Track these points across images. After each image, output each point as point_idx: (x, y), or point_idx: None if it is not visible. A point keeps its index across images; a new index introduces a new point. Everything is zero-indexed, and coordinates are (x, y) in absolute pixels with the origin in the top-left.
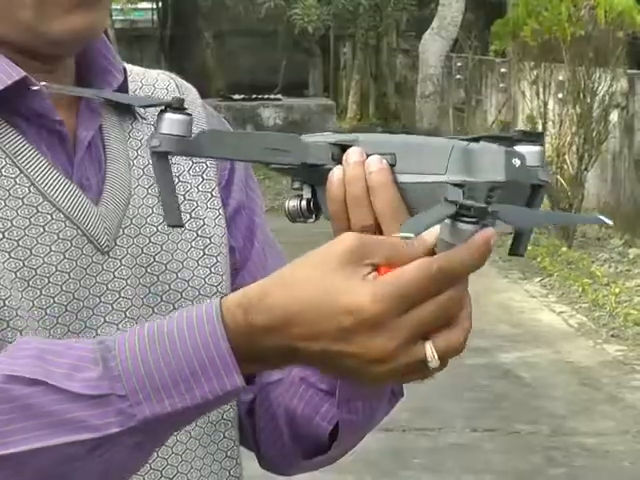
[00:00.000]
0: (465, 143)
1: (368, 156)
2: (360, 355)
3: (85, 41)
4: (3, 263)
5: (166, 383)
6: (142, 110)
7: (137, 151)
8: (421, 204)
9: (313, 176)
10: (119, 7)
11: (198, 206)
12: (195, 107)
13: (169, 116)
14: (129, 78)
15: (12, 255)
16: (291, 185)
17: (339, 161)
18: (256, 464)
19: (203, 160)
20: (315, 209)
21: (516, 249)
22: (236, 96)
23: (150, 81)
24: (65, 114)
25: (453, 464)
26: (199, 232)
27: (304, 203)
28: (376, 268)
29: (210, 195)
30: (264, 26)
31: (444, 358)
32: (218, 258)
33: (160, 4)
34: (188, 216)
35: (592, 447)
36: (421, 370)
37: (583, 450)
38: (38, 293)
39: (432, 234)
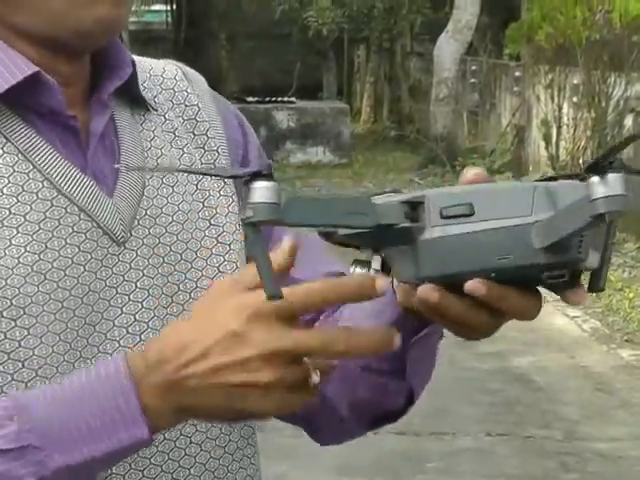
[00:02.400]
0: (545, 183)
1: (443, 210)
2: (248, 359)
3: (110, 34)
4: (18, 258)
5: (75, 434)
6: (153, 101)
7: (150, 142)
8: (508, 248)
9: (384, 238)
10: (133, 9)
11: (210, 195)
12: (204, 95)
13: (261, 184)
14: (137, 69)
15: (28, 249)
16: (358, 257)
17: (412, 219)
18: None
19: (215, 148)
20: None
21: (596, 284)
22: (250, 98)
23: (158, 71)
24: (77, 108)
25: (467, 468)
26: (212, 221)
27: (372, 273)
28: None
29: (223, 183)
30: (278, 28)
31: (324, 373)
32: (231, 246)
33: (174, 6)
34: (201, 205)
35: (605, 452)
36: (304, 388)
37: (596, 455)
38: (55, 286)
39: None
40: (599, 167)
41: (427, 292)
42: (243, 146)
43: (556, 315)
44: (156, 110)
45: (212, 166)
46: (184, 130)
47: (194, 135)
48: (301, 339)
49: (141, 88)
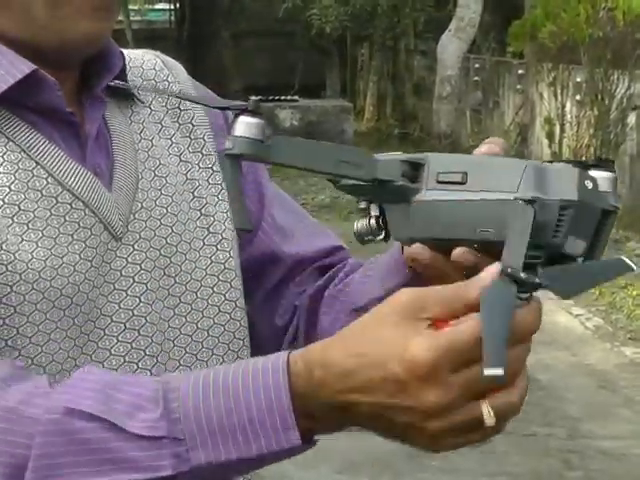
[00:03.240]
0: (538, 162)
1: (439, 174)
2: (413, 409)
3: (94, 48)
4: (32, 252)
5: (224, 432)
6: (141, 94)
7: (140, 134)
8: (490, 222)
9: (381, 194)
10: (136, 8)
11: (200, 185)
12: (185, 83)
13: (244, 119)
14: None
15: (39, 245)
16: (357, 206)
17: (410, 178)
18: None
19: (201, 136)
20: (385, 226)
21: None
22: (253, 97)
23: (137, 62)
24: (73, 105)
25: (469, 466)
26: (202, 211)
27: (373, 221)
28: (434, 322)
29: (211, 171)
30: (282, 27)
31: (501, 418)
32: (223, 234)
33: (178, 5)
34: (191, 195)
35: (609, 450)
36: (477, 430)
37: (600, 453)
38: (66, 282)
39: (486, 277)
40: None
41: (418, 251)
42: (226, 131)
43: (559, 313)
44: (143, 102)
45: (200, 154)
46: (170, 120)
47: (179, 124)
48: (466, 381)
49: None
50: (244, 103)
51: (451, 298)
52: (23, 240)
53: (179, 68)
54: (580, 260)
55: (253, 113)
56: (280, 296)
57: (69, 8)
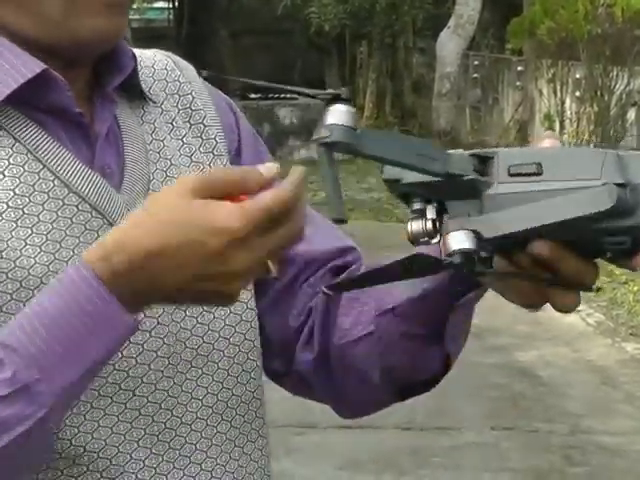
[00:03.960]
0: (616, 151)
1: (511, 167)
2: (225, 274)
3: (108, 45)
4: (35, 257)
5: (66, 354)
6: (149, 93)
7: (151, 135)
8: (573, 210)
9: (450, 190)
10: (135, 6)
11: None
12: (196, 83)
13: (339, 107)
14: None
15: (43, 249)
16: (411, 208)
17: (480, 172)
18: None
19: (213, 136)
20: (440, 229)
21: None
22: (252, 95)
23: (149, 62)
24: (83, 105)
25: (472, 463)
26: None
27: (430, 224)
28: (226, 198)
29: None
30: (280, 25)
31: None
32: None
33: (176, 3)
34: None
35: (610, 446)
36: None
37: (601, 449)
38: None
39: (271, 167)
40: None
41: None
42: (237, 130)
43: None
44: (155, 103)
45: (211, 155)
46: (181, 120)
47: (191, 125)
48: (275, 240)
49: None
50: (337, 91)
51: (240, 179)
52: (27, 244)
53: (190, 69)
54: None
55: (345, 101)
56: (293, 297)
57: (83, 5)
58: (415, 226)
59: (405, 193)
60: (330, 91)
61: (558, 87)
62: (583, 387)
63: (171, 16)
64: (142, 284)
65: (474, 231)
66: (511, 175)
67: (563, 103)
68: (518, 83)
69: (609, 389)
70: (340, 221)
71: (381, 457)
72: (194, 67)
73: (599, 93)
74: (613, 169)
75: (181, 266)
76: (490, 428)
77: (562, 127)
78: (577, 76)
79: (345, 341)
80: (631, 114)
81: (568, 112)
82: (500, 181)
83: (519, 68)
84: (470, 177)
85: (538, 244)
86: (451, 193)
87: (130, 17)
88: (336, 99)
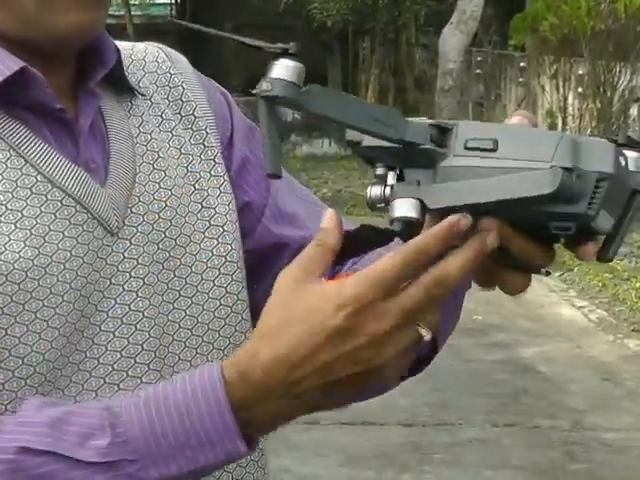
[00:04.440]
0: (573, 135)
1: (468, 141)
2: (360, 347)
3: (86, 39)
4: (19, 252)
5: (172, 449)
6: (138, 86)
7: (139, 128)
8: (522, 189)
9: (406, 157)
10: (137, 2)
11: (201, 177)
12: (187, 75)
13: (284, 62)
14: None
15: (27, 244)
16: (374, 171)
17: (437, 143)
18: (272, 459)
19: (203, 127)
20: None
21: (604, 253)
22: (254, 90)
23: (140, 55)
24: (65, 100)
25: (473, 459)
26: (203, 203)
27: (388, 190)
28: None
29: (213, 162)
30: (283, 21)
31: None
32: (225, 227)
33: None
34: (192, 188)
35: (612, 442)
36: (414, 348)
37: (603, 445)
38: (55, 280)
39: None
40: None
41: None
42: (230, 120)
43: (562, 305)
44: (142, 95)
45: (202, 146)
46: (171, 112)
47: (181, 116)
48: (406, 301)
49: (125, 73)
50: (285, 46)
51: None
52: (10, 240)
53: (182, 60)
54: (604, 236)
55: (293, 57)
56: None
57: (57, 0)
58: (374, 191)
59: (369, 157)
60: (279, 45)
61: (561, 83)
62: (585, 383)
63: (173, 12)
64: (279, 393)
65: (420, 200)
66: (467, 149)
67: (566, 99)
68: (521, 79)
69: (611, 385)
70: (275, 176)
71: (383, 453)
72: (196, 62)
73: (602, 89)
74: (565, 153)
75: (311, 355)
76: (492, 424)
77: (564, 123)
78: (580, 72)
79: None
80: (634, 110)
81: (570, 108)
82: (456, 154)
83: (522, 64)
84: (426, 146)
85: (486, 221)
86: (408, 161)
87: (132, 13)
88: (284, 54)
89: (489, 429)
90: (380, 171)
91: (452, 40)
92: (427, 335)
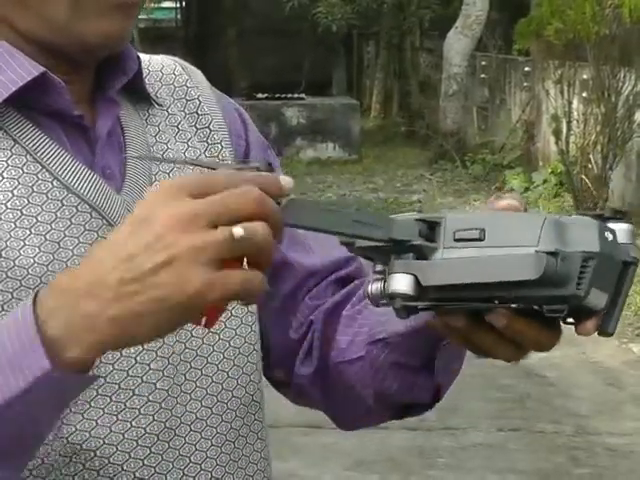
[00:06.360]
0: (557, 216)
1: (456, 232)
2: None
3: (114, 48)
4: (34, 257)
5: None
6: (155, 97)
7: (155, 137)
8: (510, 277)
9: (397, 252)
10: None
11: None
12: (204, 89)
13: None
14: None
15: (42, 249)
16: (373, 269)
17: (427, 238)
18: (277, 463)
19: (219, 141)
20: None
21: (603, 327)
22: (259, 95)
23: (156, 67)
24: (84, 107)
25: (478, 463)
26: None
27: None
28: None
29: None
30: (288, 25)
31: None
32: None
33: (184, 3)
34: None
35: (616, 447)
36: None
37: (607, 450)
38: None
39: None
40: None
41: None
42: (244, 137)
43: None
44: (160, 105)
45: (217, 159)
46: (187, 124)
47: (197, 129)
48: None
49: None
50: (259, 164)
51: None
52: (25, 245)
53: (198, 74)
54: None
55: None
56: (295, 308)
57: (87, 8)
58: (374, 287)
59: (366, 256)
60: (250, 165)
61: (565, 88)
62: (589, 388)
63: (179, 16)
64: (83, 292)
65: (415, 276)
66: (456, 240)
67: (570, 104)
68: (525, 84)
69: (615, 390)
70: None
71: (388, 457)
72: (201, 67)
73: (606, 94)
74: (550, 237)
75: (108, 271)
76: (497, 429)
77: (569, 128)
78: (584, 77)
79: (341, 360)
80: (638, 115)
81: (575, 113)
82: (445, 246)
83: (526, 69)
84: (416, 243)
85: (494, 316)
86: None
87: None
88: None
89: (494, 434)
90: (379, 267)
91: (457, 44)
92: (237, 231)
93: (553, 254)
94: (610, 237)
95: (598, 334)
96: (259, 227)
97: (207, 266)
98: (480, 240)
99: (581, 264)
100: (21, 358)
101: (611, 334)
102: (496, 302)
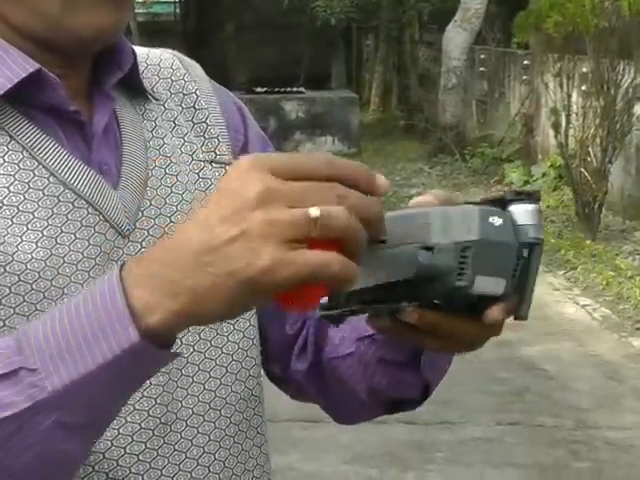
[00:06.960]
0: (445, 208)
1: None
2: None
3: (108, 40)
4: (31, 253)
5: (71, 350)
6: (152, 91)
7: (152, 132)
8: (405, 273)
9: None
10: (141, 0)
11: (212, 184)
12: (202, 83)
13: None
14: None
15: (39, 245)
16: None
17: None
18: (276, 457)
19: (215, 135)
20: None
21: (517, 311)
22: (258, 89)
23: (155, 60)
24: (80, 102)
25: (477, 457)
26: None
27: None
28: None
29: (224, 170)
30: (286, 19)
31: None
32: None
33: None
34: (203, 194)
35: (616, 441)
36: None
37: (607, 444)
38: (68, 280)
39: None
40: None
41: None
42: (243, 131)
43: (566, 304)
44: (156, 100)
45: (213, 154)
46: (184, 119)
47: (194, 123)
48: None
49: (140, 78)
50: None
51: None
52: (22, 241)
53: (196, 67)
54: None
55: None
56: None
57: (80, 0)
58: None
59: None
60: None
61: (564, 81)
62: (589, 382)
63: (178, 10)
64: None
65: None
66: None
67: (569, 97)
68: (524, 77)
69: (615, 384)
70: None
71: (387, 451)
72: (200, 61)
73: (605, 87)
74: (435, 230)
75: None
76: (495, 423)
77: (568, 121)
78: (583, 70)
79: (334, 355)
80: (637, 108)
81: (574, 106)
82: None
83: (525, 62)
84: None
85: (404, 314)
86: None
87: (136, 11)
88: None
89: (493, 427)
90: None
91: (456, 38)
92: (314, 211)
93: (428, 248)
94: (498, 222)
95: (514, 319)
96: (339, 211)
97: (280, 244)
98: (382, 242)
99: (459, 254)
100: (108, 329)
101: (525, 318)
102: (404, 302)
